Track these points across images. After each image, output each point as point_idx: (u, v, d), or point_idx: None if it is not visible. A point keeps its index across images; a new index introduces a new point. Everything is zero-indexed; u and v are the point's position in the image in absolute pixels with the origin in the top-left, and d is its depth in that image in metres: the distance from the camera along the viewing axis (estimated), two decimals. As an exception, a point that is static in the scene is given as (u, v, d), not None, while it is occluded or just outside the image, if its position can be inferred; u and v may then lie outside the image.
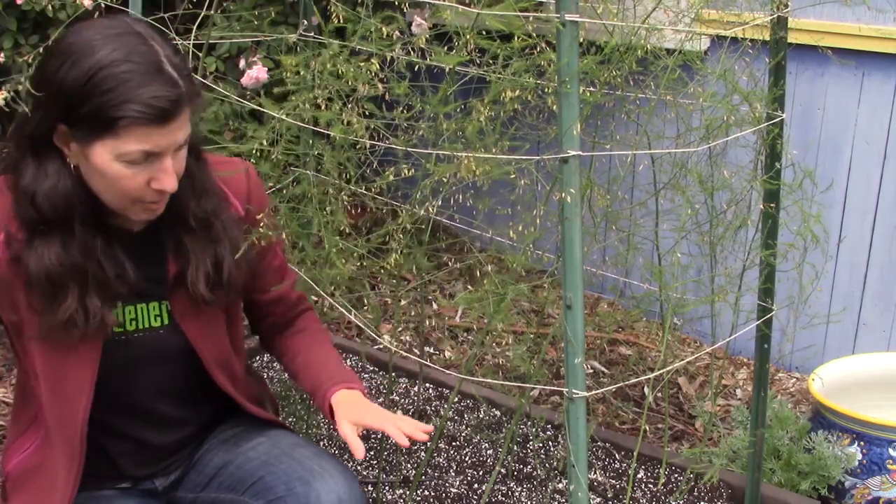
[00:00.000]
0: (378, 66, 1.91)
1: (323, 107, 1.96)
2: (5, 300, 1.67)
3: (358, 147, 2.12)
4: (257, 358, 3.30)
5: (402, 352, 3.23)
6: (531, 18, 1.64)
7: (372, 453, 2.82)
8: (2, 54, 3.09)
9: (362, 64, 1.91)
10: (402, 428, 1.71)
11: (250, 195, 1.84)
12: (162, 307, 1.77)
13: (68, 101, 1.53)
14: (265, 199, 1.88)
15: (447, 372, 2.00)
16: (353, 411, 1.76)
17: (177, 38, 2.23)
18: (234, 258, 1.76)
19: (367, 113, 1.99)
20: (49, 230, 1.61)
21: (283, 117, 1.95)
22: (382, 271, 2.19)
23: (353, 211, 2.27)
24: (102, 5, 2.10)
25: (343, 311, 1.96)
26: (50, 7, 3.04)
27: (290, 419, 2.69)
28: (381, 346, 3.59)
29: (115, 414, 1.80)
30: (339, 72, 1.94)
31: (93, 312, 1.64)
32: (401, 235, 2.09)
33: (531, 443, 2.89)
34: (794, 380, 3.47)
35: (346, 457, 2.79)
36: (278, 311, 1.99)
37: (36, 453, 1.79)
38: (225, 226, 1.75)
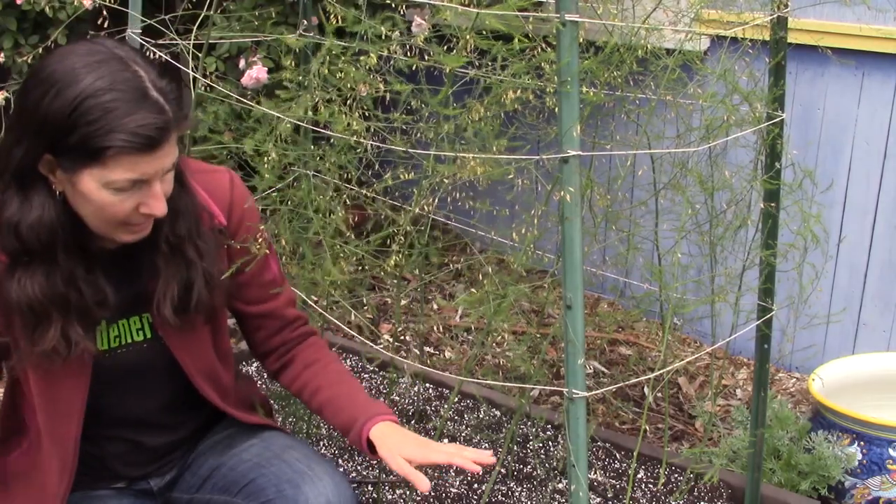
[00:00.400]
0: (376, 62, 1.91)
1: (322, 108, 1.96)
2: (1, 319, 1.66)
3: (358, 149, 2.12)
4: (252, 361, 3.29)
5: (400, 354, 3.23)
6: (531, 19, 1.64)
7: (372, 453, 2.82)
8: (2, 54, 3.09)
9: (362, 60, 1.91)
10: (468, 456, 1.68)
11: (233, 205, 1.81)
12: (143, 321, 1.77)
13: (54, 132, 1.50)
14: (251, 210, 1.84)
15: (444, 374, 2.00)
16: (400, 445, 1.73)
17: (177, 38, 2.23)
18: (208, 280, 1.73)
19: (367, 114, 1.99)
20: (31, 260, 1.59)
21: (282, 116, 1.95)
22: (383, 273, 2.19)
23: (353, 213, 2.27)
24: (102, 12, 2.10)
25: (340, 324, 1.95)
26: (50, 7, 3.04)
27: (289, 419, 2.69)
28: (382, 346, 3.59)
29: (108, 424, 1.82)
30: (340, 73, 1.94)
31: (75, 341, 1.63)
32: (402, 238, 2.09)
33: (531, 443, 2.89)
34: (794, 380, 3.47)
35: (345, 457, 2.79)
36: (270, 325, 1.93)
37: (24, 456, 1.80)
38: (200, 249, 1.72)
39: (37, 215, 1.56)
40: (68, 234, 1.59)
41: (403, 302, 3.87)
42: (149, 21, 2.24)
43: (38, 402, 1.72)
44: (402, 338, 3.65)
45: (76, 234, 1.61)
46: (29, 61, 2.29)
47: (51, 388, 1.70)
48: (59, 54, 1.54)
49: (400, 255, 2.08)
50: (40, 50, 2.38)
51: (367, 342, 2.38)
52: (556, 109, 1.51)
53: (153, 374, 1.81)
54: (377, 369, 3.31)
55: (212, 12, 2.24)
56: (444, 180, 2.07)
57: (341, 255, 2.09)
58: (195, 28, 2.24)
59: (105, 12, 2.26)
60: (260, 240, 1.83)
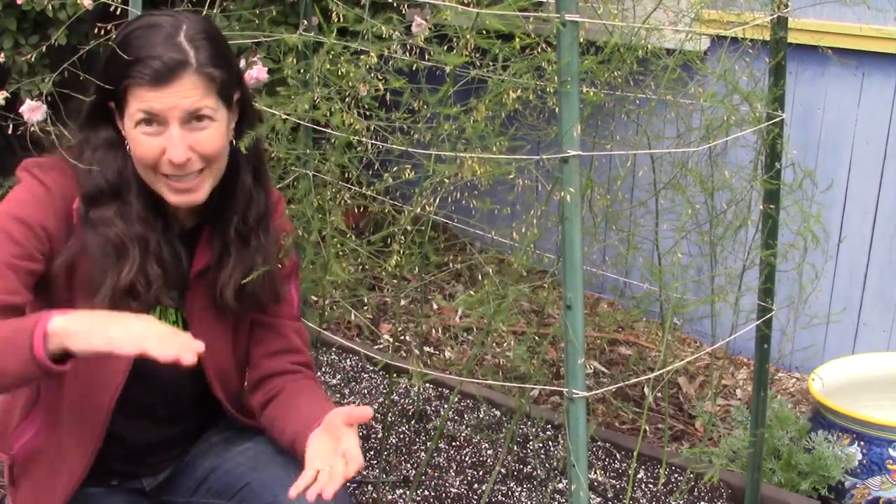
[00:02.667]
0: (376, 62, 1.91)
1: (322, 106, 1.96)
2: (64, 272, 1.68)
3: (358, 148, 2.12)
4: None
5: (400, 354, 3.23)
6: (531, 18, 1.64)
7: (372, 453, 2.82)
8: (2, 54, 3.09)
9: (363, 59, 1.91)
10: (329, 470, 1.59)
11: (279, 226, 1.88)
12: (178, 315, 1.80)
13: (107, 75, 1.63)
14: (289, 231, 1.91)
15: (442, 375, 2.00)
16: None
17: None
18: (265, 273, 1.78)
19: (367, 114, 1.99)
20: (108, 201, 1.67)
21: (281, 115, 1.95)
22: (384, 273, 2.19)
23: (357, 210, 2.27)
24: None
25: (340, 341, 1.95)
26: (50, 7, 3.04)
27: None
28: (381, 346, 3.59)
29: (123, 409, 1.80)
30: (339, 71, 1.94)
31: (153, 279, 1.68)
32: (402, 237, 2.09)
33: (531, 443, 2.89)
34: (794, 380, 3.47)
35: (346, 457, 2.79)
36: (271, 342, 1.89)
37: (40, 435, 1.79)
38: (264, 243, 1.78)
39: (102, 156, 1.67)
40: (140, 184, 1.68)
41: (403, 302, 3.87)
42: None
43: (73, 369, 1.67)
44: (402, 338, 3.65)
45: (148, 190, 1.69)
46: (31, 60, 2.29)
47: (92, 360, 1.68)
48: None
49: (401, 255, 2.08)
50: (43, 49, 2.37)
51: (368, 345, 2.38)
52: (557, 109, 1.51)
53: (169, 368, 1.81)
54: (377, 369, 3.31)
55: (212, 11, 2.24)
56: (445, 180, 2.07)
57: (341, 254, 2.09)
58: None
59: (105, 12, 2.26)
60: (285, 259, 1.87)
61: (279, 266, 1.83)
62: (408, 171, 2.08)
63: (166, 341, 1.48)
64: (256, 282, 1.78)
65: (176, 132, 1.62)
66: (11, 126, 2.10)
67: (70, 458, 1.76)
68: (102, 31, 1.97)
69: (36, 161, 1.71)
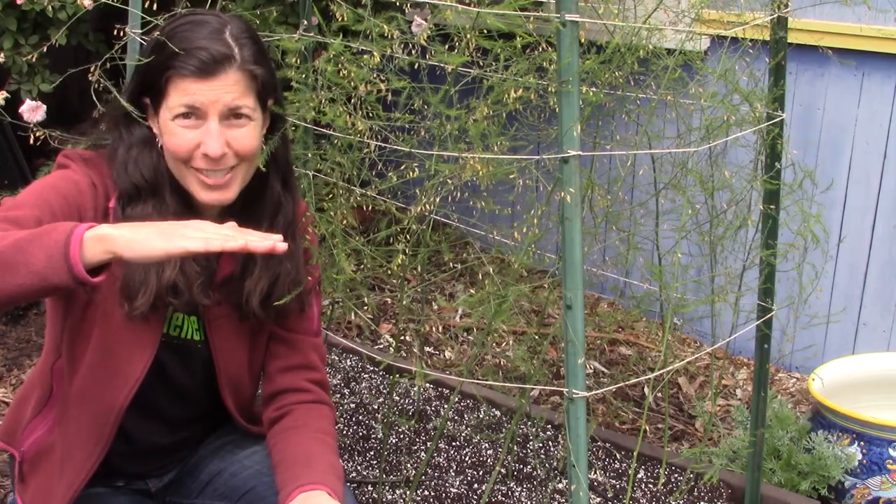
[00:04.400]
0: (378, 62, 1.91)
1: (326, 108, 1.97)
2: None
3: (363, 150, 2.13)
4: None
5: (400, 354, 3.23)
6: (531, 18, 1.64)
7: (372, 453, 2.82)
8: (2, 54, 3.09)
9: (364, 59, 1.91)
10: None
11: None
12: (201, 323, 1.79)
13: (145, 70, 1.65)
14: (313, 240, 1.90)
15: (441, 375, 2.00)
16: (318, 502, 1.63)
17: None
18: (292, 283, 1.78)
19: (370, 114, 1.99)
20: (144, 199, 1.67)
21: (284, 116, 1.95)
22: (388, 273, 2.19)
23: (358, 209, 2.27)
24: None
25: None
26: (50, 7, 3.03)
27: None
28: (381, 346, 3.59)
29: (137, 408, 1.79)
30: (342, 73, 1.94)
31: (192, 278, 1.68)
32: (407, 237, 2.09)
33: (531, 443, 2.89)
34: (794, 380, 3.47)
35: (345, 457, 2.79)
36: (287, 357, 1.87)
37: (51, 433, 1.79)
38: (292, 252, 1.77)
39: (138, 153, 1.68)
40: (173, 181, 1.69)
41: (404, 302, 3.87)
42: (149, 19, 2.24)
43: (94, 361, 1.70)
44: (402, 338, 3.65)
45: (181, 189, 1.69)
46: (32, 60, 2.29)
47: (112, 349, 1.70)
48: None
49: (405, 255, 2.08)
50: (44, 49, 2.37)
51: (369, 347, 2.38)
52: (557, 109, 1.51)
53: (191, 369, 1.82)
54: (377, 369, 3.31)
55: (212, 11, 2.23)
56: (449, 181, 2.07)
57: (345, 253, 2.09)
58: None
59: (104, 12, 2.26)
60: (312, 271, 1.86)
61: (306, 275, 1.82)
62: (411, 171, 2.08)
63: (226, 235, 1.40)
64: (283, 289, 1.78)
65: (214, 126, 1.62)
66: (12, 128, 2.10)
67: (78, 455, 1.75)
68: (117, 33, 1.99)
69: (80, 153, 1.72)
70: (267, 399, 1.88)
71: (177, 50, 1.60)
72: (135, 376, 1.72)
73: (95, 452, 1.74)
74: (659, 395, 3.25)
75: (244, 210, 1.75)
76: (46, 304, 1.78)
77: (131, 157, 1.68)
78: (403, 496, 2.60)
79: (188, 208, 1.70)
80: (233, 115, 1.64)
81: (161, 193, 1.68)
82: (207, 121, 1.62)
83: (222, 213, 1.75)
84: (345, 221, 2.09)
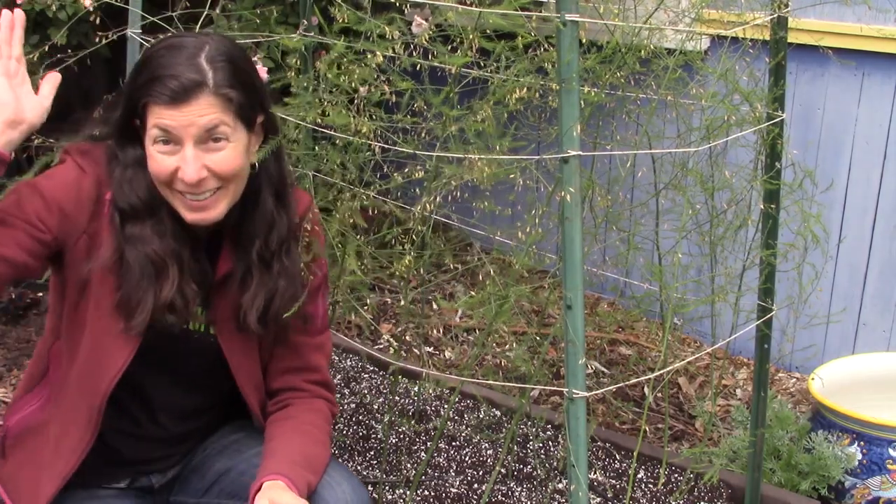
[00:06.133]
0: (381, 63, 1.91)
1: (329, 110, 1.97)
2: (84, 255, 1.69)
3: (365, 151, 2.13)
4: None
5: (399, 357, 3.23)
6: (532, 18, 1.64)
7: (372, 453, 2.82)
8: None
9: (366, 59, 1.91)
10: None
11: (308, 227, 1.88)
12: (202, 314, 1.81)
13: (130, 92, 1.67)
14: (320, 237, 1.90)
15: (442, 375, 2.00)
16: (279, 495, 1.65)
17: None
18: (288, 299, 1.78)
19: (372, 115, 1.99)
20: (143, 219, 1.69)
21: (286, 118, 1.95)
22: (390, 275, 2.19)
23: (371, 212, 2.27)
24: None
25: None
26: (51, 7, 3.03)
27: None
28: (381, 346, 3.59)
29: (134, 395, 1.81)
30: (343, 76, 1.94)
31: (190, 296, 1.71)
32: (413, 238, 2.09)
33: (531, 443, 2.89)
34: (794, 380, 3.47)
35: (345, 457, 2.79)
36: (286, 358, 1.90)
37: (41, 411, 1.80)
38: (286, 268, 1.79)
39: (132, 174, 1.70)
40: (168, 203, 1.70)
41: (404, 302, 3.87)
42: (150, 19, 2.24)
43: (85, 350, 1.73)
44: (402, 338, 3.64)
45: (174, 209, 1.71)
46: (34, 59, 2.29)
47: (100, 338, 1.72)
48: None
49: (411, 256, 2.07)
50: (46, 48, 2.37)
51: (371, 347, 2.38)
52: (557, 109, 1.51)
53: (197, 359, 1.84)
54: (377, 369, 3.31)
55: (212, 11, 2.24)
56: (452, 182, 2.07)
57: (348, 254, 2.09)
58: (196, 27, 2.24)
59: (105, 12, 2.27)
60: (317, 270, 1.87)
61: (304, 286, 1.83)
62: (413, 172, 2.08)
63: None
64: (280, 305, 1.78)
65: (190, 152, 1.63)
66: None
67: (74, 433, 1.76)
68: (103, 38, 1.99)
69: (78, 146, 1.74)
70: (269, 394, 1.92)
71: (151, 77, 1.62)
72: (118, 365, 1.73)
73: (86, 437, 1.76)
74: (659, 395, 3.25)
75: (237, 226, 1.76)
76: (49, 288, 1.81)
77: (126, 178, 1.70)
78: (403, 496, 2.60)
79: (184, 227, 1.72)
80: (210, 138, 1.64)
81: (158, 214, 1.70)
82: (184, 147, 1.63)
83: (216, 231, 1.77)
84: (352, 220, 2.09)
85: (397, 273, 2.10)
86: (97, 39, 2.31)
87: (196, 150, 1.63)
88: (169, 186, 1.67)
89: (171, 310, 1.69)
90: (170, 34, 1.76)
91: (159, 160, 1.64)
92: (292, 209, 1.82)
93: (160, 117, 1.61)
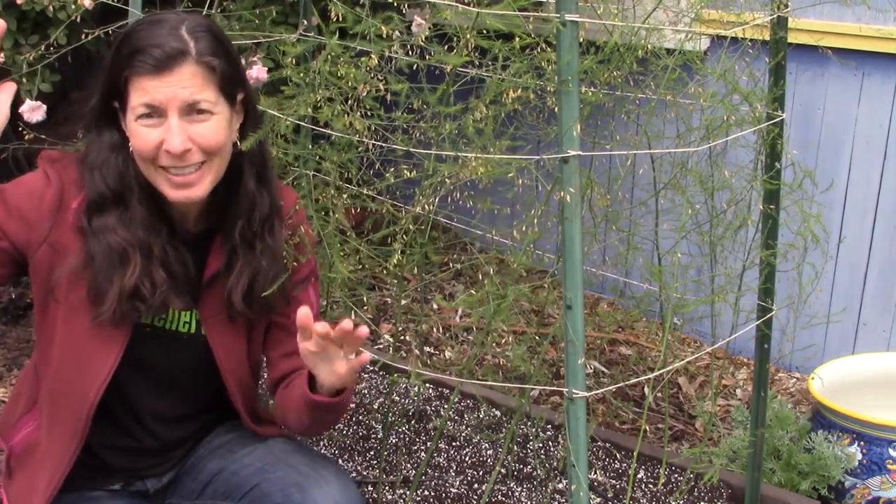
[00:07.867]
0: (377, 63, 1.91)
1: (324, 107, 1.96)
2: (46, 265, 1.69)
3: (359, 148, 2.12)
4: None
5: (400, 354, 3.22)
6: (531, 18, 1.64)
7: (372, 453, 2.82)
8: (2, 54, 3.09)
9: (363, 60, 1.91)
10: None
11: (292, 226, 1.88)
12: (192, 316, 1.81)
13: (110, 71, 1.65)
14: (306, 236, 1.91)
15: (442, 376, 2.00)
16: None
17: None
18: (272, 279, 1.79)
19: (369, 113, 1.99)
20: (109, 208, 1.68)
21: (282, 116, 1.95)
22: (385, 272, 2.19)
23: (354, 211, 2.27)
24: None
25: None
26: (50, 7, 3.03)
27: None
28: (381, 346, 3.59)
29: (120, 403, 1.81)
30: (340, 73, 1.94)
31: (159, 283, 1.69)
32: (404, 237, 2.09)
33: (531, 443, 2.89)
34: (794, 380, 3.47)
35: (345, 457, 2.79)
36: (286, 343, 1.89)
37: (38, 430, 1.80)
38: (270, 248, 1.79)
39: (104, 160, 1.69)
40: (143, 189, 1.69)
41: (403, 302, 3.87)
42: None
43: (63, 355, 1.73)
44: (402, 338, 3.65)
45: (151, 193, 1.70)
46: (30, 59, 2.30)
47: (84, 341, 1.72)
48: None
49: (402, 255, 2.08)
50: (47, 49, 2.38)
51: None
52: (556, 109, 1.51)
53: (183, 363, 1.83)
54: (377, 369, 3.31)
55: (212, 10, 2.24)
56: (447, 180, 2.07)
57: (342, 253, 2.09)
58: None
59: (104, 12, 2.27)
60: (304, 260, 1.87)
61: (287, 268, 1.83)
62: (409, 170, 2.08)
63: None
64: (264, 285, 1.78)
65: (175, 122, 1.62)
66: (12, 128, 2.11)
67: (57, 450, 1.76)
68: (102, 34, 1.98)
69: (49, 154, 1.74)
70: (274, 384, 1.91)
71: (133, 49, 1.61)
72: (105, 371, 1.73)
73: (72, 447, 1.75)
74: (659, 395, 3.25)
75: (221, 210, 1.76)
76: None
77: (97, 164, 1.69)
78: (403, 496, 2.60)
79: (157, 216, 1.71)
80: (194, 110, 1.64)
81: (128, 202, 1.69)
82: (168, 118, 1.63)
83: (198, 214, 1.77)
84: (339, 217, 2.09)
85: (389, 271, 2.10)
86: (84, 36, 2.31)
87: (181, 122, 1.63)
88: (153, 163, 1.66)
89: (139, 297, 1.68)
90: (149, 13, 1.76)
91: (143, 134, 1.63)
92: (274, 189, 1.82)
93: (144, 90, 1.61)
